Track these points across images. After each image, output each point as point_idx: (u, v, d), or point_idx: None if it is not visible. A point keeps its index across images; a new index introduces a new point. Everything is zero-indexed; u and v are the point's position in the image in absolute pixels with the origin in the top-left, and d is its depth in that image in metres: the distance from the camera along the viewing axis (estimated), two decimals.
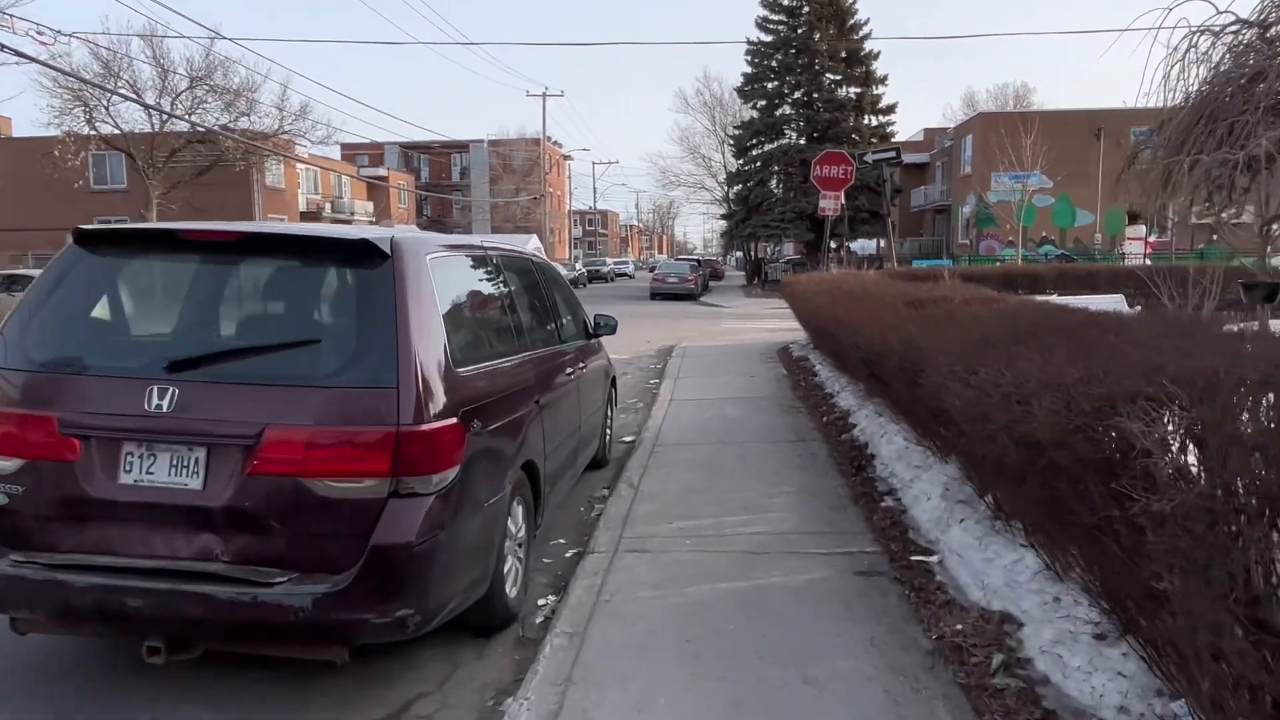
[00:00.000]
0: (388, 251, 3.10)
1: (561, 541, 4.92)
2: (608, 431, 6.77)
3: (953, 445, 4.16)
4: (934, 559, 4.12)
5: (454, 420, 3.08)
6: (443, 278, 3.39)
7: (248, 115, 31.49)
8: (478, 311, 3.87)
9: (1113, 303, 10.86)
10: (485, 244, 4.26)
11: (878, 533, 4.60)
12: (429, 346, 3.07)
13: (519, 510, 3.84)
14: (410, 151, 63.54)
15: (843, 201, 16.03)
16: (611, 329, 6.30)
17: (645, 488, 5.65)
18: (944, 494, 4.69)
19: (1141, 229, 32.19)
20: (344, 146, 57.83)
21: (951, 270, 13.69)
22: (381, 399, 2.88)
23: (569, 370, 5.06)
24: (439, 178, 64.68)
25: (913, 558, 4.17)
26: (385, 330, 2.97)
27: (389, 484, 2.86)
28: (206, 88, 30.38)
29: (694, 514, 5.01)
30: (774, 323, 19.50)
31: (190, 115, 29.86)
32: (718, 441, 7.01)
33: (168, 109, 29.36)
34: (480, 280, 3.99)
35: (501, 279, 4.20)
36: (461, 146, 63.16)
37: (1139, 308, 12.94)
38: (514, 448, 3.73)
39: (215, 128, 29.73)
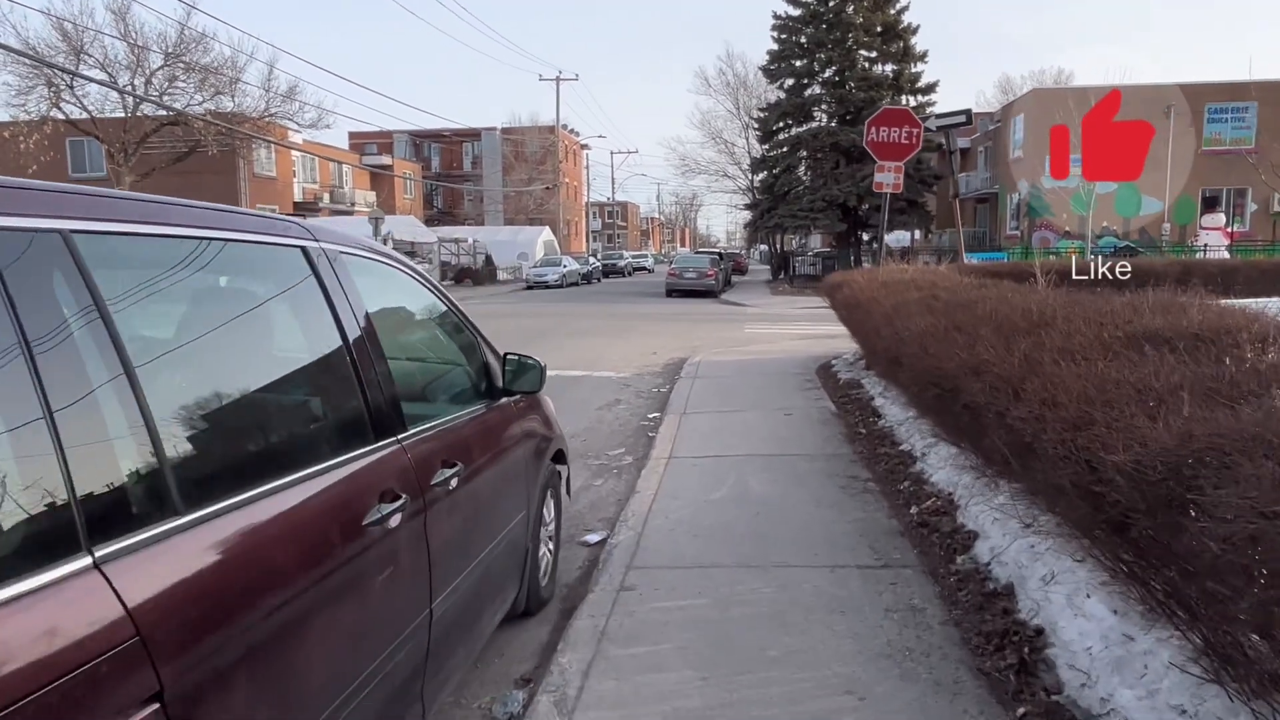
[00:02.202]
0: None
1: None
2: (545, 550, 3.88)
3: None
4: None
5: None
6: None
7: (228, 95, 28.81)
8: None
9: None
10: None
11: None
12: None
13: None
14: (421, 140, 60.78)
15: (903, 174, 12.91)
16: (534, 379, 3.38)
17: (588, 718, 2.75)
18: None
19: (1220, 218, 28.73)
20: (352, 135, 55.32)
21: (1046, 264, 10.53)
22: None
23: (396, 509, 2.16)
24: (450, 167, 61.83)
25: None
26: None
27: None
28: (182, 65, 27.74)
29: None
30: (806, 326, 16.50)
31: (162, 96, 27.22)
32: (735, 563, 4.09)
33: (135, 88, 26.72)
34: None
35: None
36: (473, 134, 60.18)
37: None
38: None
39: (186, 109, 27.03)
